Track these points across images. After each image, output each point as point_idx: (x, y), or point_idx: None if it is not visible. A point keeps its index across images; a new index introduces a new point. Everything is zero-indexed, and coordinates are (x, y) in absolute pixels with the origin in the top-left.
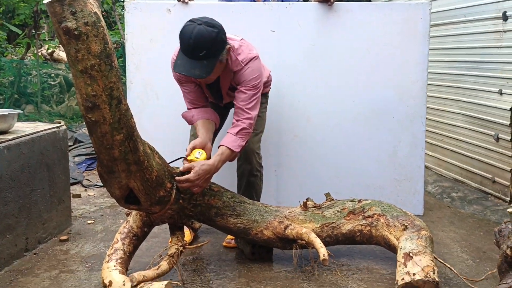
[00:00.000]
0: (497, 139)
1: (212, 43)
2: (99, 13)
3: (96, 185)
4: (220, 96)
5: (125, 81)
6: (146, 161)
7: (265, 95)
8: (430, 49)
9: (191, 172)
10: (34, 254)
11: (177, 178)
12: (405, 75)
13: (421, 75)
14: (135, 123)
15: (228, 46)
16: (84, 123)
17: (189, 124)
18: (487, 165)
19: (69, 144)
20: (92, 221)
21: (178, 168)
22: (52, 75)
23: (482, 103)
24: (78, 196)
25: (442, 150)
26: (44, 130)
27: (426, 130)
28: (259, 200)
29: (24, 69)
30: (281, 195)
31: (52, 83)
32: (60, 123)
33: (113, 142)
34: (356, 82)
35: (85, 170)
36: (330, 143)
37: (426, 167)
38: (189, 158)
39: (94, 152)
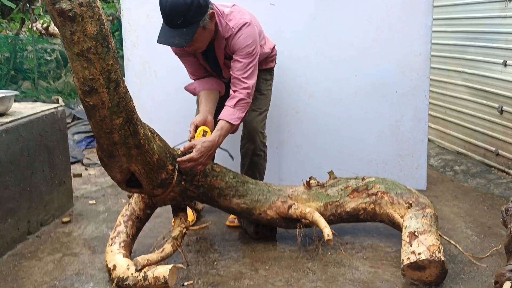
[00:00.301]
0: (501, 111)
1: (187, 10)
2: None
3: (96, 163)
4: (219, 69)
5: (122, 55)
6: (147, 145)
7: (269, 71)
8: (433, 18)
9: (193, 151)
10: (37, 237)
11: (179, 159)
12: (408, 48)
13: (425, 48)
14: (134, 106)
15: (211, 11)
16: None
17: (194, 95)
18: (490, 137)
19: (68, 121)
20: (94, 202)
21: (179, 149)
22: (48, 50)
23: (486, 75)
24: (79, 175)
25: (444, 123)
26: (42, 111)
27: (429, 103)
28: (262, 180)
29: (20, 45)
30: (283, 172)
31: (49, 58)
32: (57, 100)
33: (113, 126)
34: (358, 56)
35: (85, 148)
36: (332, 119)
37: (428, 139)
38: (195, 138)
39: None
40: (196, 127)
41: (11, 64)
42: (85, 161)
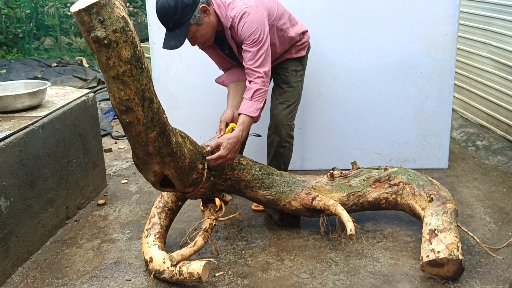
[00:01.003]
0: None
1: (174, 12)
2: (126, 16)
3: (124, 136)
4: (237, 58)
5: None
6: (179, 151)
7: (300, 60)
8: None
9: (221, 149)
10: (75, 221)
11: (208, 158)
12: (435, 27)
13: (452, 28)
14: (167, 118)
15: (202, 5)
16: None
17: (224, 86)
18: None
19: (94, 85)
20: (126, 181)
21: (208, 146)
22: (68, 4)
23: None
24: (110, 150)
25: (469, 94)
26: (74, 100)
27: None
28: (286, 169)
29: (40, 2)
30: (306, 152)
31: (69, 13)
32: (81, 61)
33: (148, 140)
34: (383, 36)
35: (113, 119)
36: (356, 100)
37: (452, 109)
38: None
39: None
40: (226, 124)
41: (33, 22)
42: (114, 133)
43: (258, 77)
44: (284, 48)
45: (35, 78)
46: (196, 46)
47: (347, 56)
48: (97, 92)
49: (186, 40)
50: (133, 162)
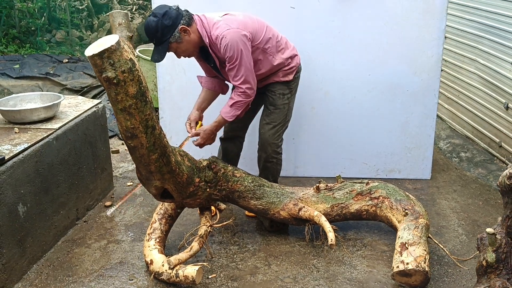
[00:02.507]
0: (507, 107)
1: (155, 31)
2: (134, 58)
3: None
4: (219, 71)
5: None
6: (177, 169)
7: (287, 84)
8: (450, 2)
9: (199, 138)
10: (84, 222)
11: (194, 143)
12: (421, 50)
13: (437, 50)
14: (167, 141)
15: (182, 26)
16: None
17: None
18: (495, 129)
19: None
20: (131, 183)
21: (205, 160)
22: None
23: (496, 70)
24: (117, 152)
25: (457, 105)
26: (85, 111)
27: (443, 83)
28: (276, 181)
29: None
30: (298, 160)
31: (80, 7)
32: None
33: (150, 161)
34: (372, 57)
35: None
36: (346, 115)
37: (440, 118)
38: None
39: None
40: (195, 123)
41: (45, 16)
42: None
43: (240, 91)
44: (271, 70)
45: (47, 73)
46: (192, 57)
47: (338, 74)
48: (104, 92)
49: (180, 55)
50: None
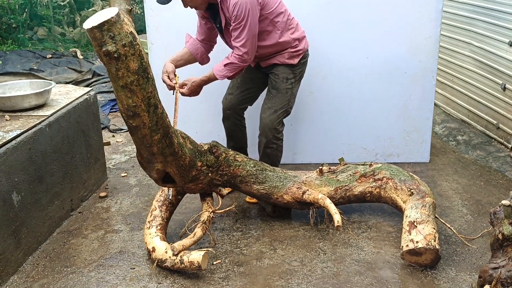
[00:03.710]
0: (504, 88)
1: None
2: (134, 31)
3: (121, 129)
4: (223, 34)
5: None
6: (180, 151)
7: (291, 68)
8: None
9: (186, 88)
10: (79, 213)
11: (180, 91)
12: (418, 31)
13: (435, 31)
14: (169, 121)
15: None
16: None
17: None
18: (493, 111)
19: (88, 77)
20: (125, 174)
21: (206, 144)
22: None
23: (492, 51)
24: (108, 144)
25: (451, 90)
26: (77, 98)
27: (437, 69)
28: (277, 166)
29: None
30: (297, 147)
31: (62, 3)
32: (76, 52)
33: (152, 141)
34: (370, 40)
35: (110, 112)
36: (345, 99)
37: (435, 104)
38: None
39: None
40: (174, 74)
41: (26, 12)
42: (111, 127)
43: (238, 54)
44: (276, 46)
45: (31, 69)
46: (197, 13)
47: (336, 57)
48: (92, 84)
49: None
50: (131, 156)
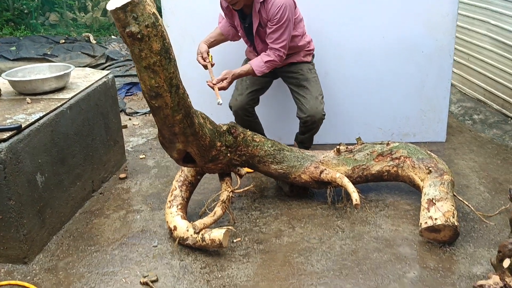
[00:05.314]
0: None
1: None
2: (156, 12)
3: (137, 112)
4: (253, 37)
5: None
6: (201, 131)
7: (308, 64)
8: None
9: (225, 82)
10: (100, 193)
11: (217, 85)
12: (436, 9)
13: (452, 8)
14: (190, 102)
15: None
16: (112, 36)
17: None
18: (509, 89)
19: (102, 61)
20: (144, 156)
21: (225, 124)
22: None
23: (509, 29)
24: (125, 127)
25: (467, 69)
26: (96, 82)
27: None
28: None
29: None
30: None
31: None
32: (88, 37)
33: (174, 121)
34: (386, 18)
35: (125, 95)
36: (360, 79)
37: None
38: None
39: (127, 73)
40: (206, 54)
41: None
42: (127, 110)
43: (278, 53)
44: (294, 48)
45: (45, 54)
46: (222, 5)
47: (352, 37)
48: (106, 69)
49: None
50: (148, 138)
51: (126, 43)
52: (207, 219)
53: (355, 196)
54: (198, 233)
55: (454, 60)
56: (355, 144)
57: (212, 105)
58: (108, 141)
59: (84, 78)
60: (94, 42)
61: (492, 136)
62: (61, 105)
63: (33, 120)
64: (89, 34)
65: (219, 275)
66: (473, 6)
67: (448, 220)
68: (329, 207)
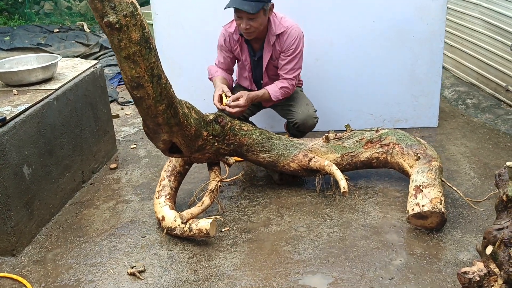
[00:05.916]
0: None
1: None
2: (134, 1)
3: (130, 102)
4: (261, 71)
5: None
6: (185, 121)
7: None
8: None
9: (241, 100)
10: (91, 184)
11: (229, 109)
12: None
13: None
14: (173, 92)
15: (272, 4)
16: None
17: (209, 77)
18: (502, 73)
19: (96, 50)
20: (135, 146)
21: (211, 114)
22: None
23: (502, 12)
24: (117, 116)
25: (460, 53)
26: (84, 71)
27: (446, 31)
28: None
29: None
30: None
31: None
32: (82, 26)
33: (157, 112)
34: (377, 3)
35: (118, 85)
36: (350, 64)
37: (444, 68)
38: (224, 103)
39: None
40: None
41: None
42: (120, 99)
43: (292, 83)
44: None
45: (39, 44)
46: (220, 43)
47: (342, 22)
48: (99, 58)
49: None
50: (140, 128)
51: (105, 33)
52: (195, 209)
53: (343, 183)
54: (185, 223)
55: (447, 44)
56: (344, 131)
57: (202, 92)
58: (98, 131)
59: (72, 68)
60: (88, 31)
61: (484, 120)
62: (47, 96)
63: (18, 111)
64: (83, 23)
65: (206, 265)
66: None
67: (435, 207)
68: (318, 195)
